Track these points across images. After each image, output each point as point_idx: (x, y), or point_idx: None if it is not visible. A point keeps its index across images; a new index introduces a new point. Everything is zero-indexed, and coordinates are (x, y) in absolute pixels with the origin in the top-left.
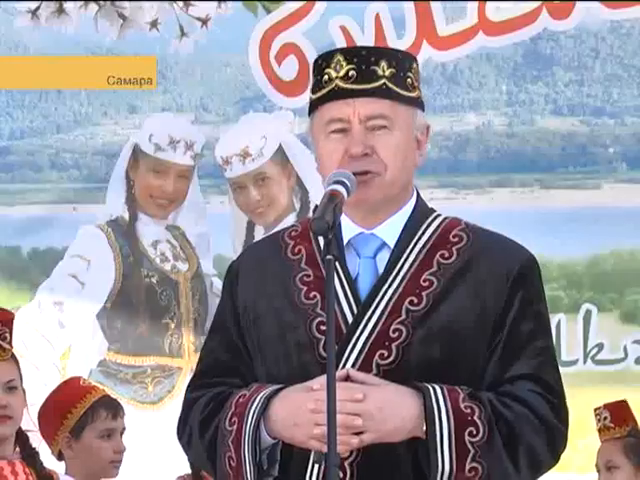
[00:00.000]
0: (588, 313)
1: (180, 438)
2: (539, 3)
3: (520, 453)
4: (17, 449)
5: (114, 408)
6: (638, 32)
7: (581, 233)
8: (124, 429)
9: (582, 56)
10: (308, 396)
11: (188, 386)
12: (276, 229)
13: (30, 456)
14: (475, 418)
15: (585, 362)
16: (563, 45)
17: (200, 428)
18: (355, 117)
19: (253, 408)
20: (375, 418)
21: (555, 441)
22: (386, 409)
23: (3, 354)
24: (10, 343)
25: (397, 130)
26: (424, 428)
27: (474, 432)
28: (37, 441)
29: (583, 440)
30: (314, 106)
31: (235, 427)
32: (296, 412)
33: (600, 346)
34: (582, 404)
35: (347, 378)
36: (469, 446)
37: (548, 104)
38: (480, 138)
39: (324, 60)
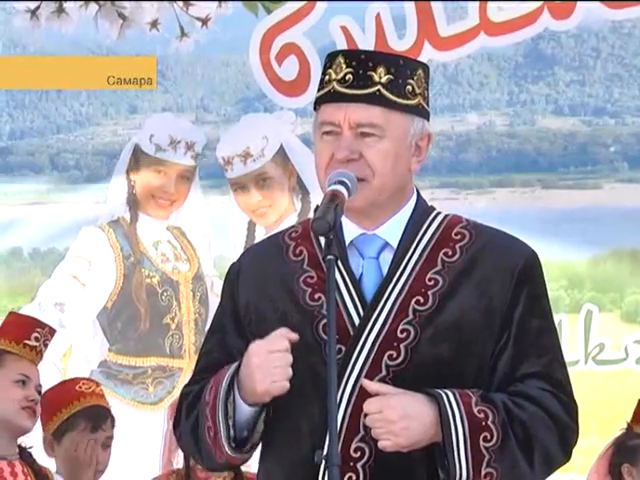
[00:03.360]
0: (589, 313)
1: (174, 431)
2: (540, 3)
3: (535, 453)
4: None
5: (95, 420)
6: (639, 32)
7: (582, 233)
8: (110, 438)
9: (583, 56)
10: (261, 343)
11: (184, 385)
12: (277, 230)
13: (26, 455)
14: (489, 423)
15: (586, 362)
16: (564, 45)
17: (186, 411)
18: (345, 122)
19: (227, 374)
20: (396, 429)
21: (567, 439)
22: (406, 419)
23: (40, 359)
24: None
25: (388, 137)
26: (441, 435)
27: (488, 437)
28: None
29: (584, 441)
30: (316, 104)
31: (212, 396)
32: (249, 361)
33: (601, 346)
34: (583, 404)
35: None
36: (484, 451)
37: (549, 104)
38: (481, 138)
39: (329, 59)
